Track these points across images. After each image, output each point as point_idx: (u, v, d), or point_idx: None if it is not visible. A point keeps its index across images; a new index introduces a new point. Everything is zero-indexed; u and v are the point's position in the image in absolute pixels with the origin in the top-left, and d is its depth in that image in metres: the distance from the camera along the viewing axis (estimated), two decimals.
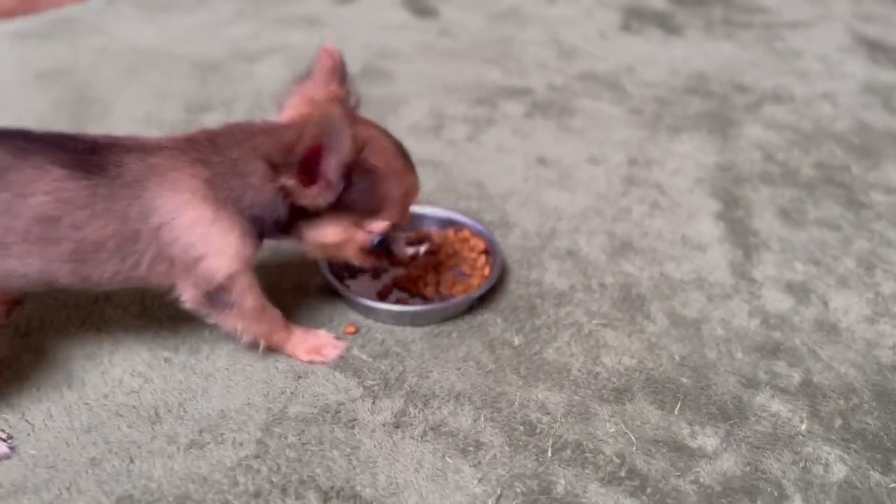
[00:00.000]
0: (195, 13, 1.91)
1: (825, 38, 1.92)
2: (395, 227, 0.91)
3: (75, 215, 0.78)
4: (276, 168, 0.81)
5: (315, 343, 0.95)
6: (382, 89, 1.60)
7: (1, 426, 0.85)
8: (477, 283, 1.06)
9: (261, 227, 0.85)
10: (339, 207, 0.85)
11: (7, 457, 0.81)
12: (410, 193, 0.91)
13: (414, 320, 1.00)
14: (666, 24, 1.97)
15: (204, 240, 0.82)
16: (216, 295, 0.85)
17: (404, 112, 1.52)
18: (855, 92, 1.68)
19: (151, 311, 1.00)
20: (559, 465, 0.84)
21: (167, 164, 0.81)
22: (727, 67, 1.76)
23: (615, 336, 1.01)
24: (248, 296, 0.87)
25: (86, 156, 0.79)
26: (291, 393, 0.90)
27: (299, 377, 0.92)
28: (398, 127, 1.47)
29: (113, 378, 0.91)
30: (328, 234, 0.88)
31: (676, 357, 0.98)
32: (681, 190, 1.31)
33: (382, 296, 1.05)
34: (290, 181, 0.81)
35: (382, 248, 0.93)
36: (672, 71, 1.74)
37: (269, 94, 1.54)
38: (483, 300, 1.04)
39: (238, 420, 0.86)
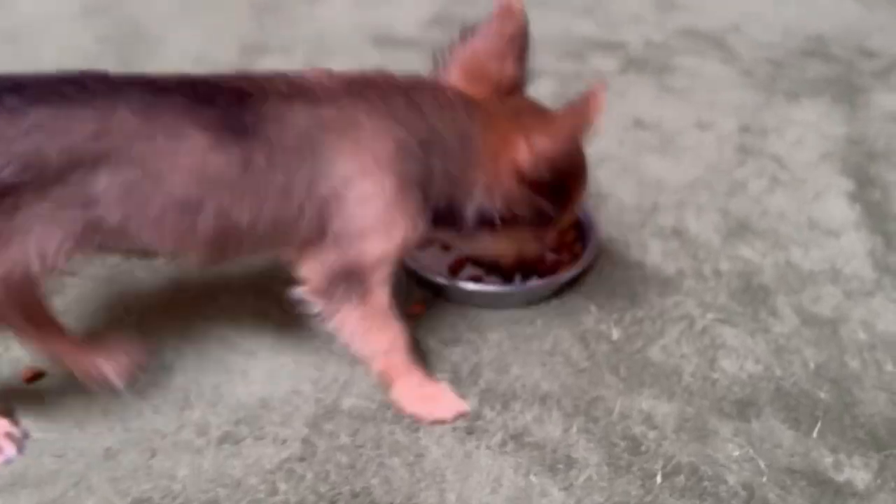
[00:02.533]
0: None
1: None
2: None
3: (223, 198, 0.60)
4: (523, 177, 0.67)
5: (431, 393, 0.74)
6: None
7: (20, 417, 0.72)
8: (566, 260, 0.90)
9: (432, 217, 0.69)
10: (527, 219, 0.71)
11: (10, 461, 0.67)
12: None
13: (493, 302, 0.85)
14: None
15: (374, 218, 0.64)
16: (345, 282, 0.66)
17: None
18: None
19: (188, 274, 0.86)
20: (670, 495, 0.67)
21: (346, 118, 0.63)
22: (850, 30, 1.54)
23: (735, 335, 0.83)
24: (381, 290, 0.69)
25: (233, 110, 0.60)
26: (346, 381, 0.76)
27: (356, 363, 0.77)
28: None
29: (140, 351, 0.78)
30: (501, 245, 0.76)
31: (811, 365, 0.80)
32: (804, 164, 1.12)
33: (454, 271, 0.89)
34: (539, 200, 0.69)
35: None
36: (786, 31, 1.52)
37: (334, 40, 1.39)
38: (573, 282, 0.88)
39: (282, 411, 0.72)
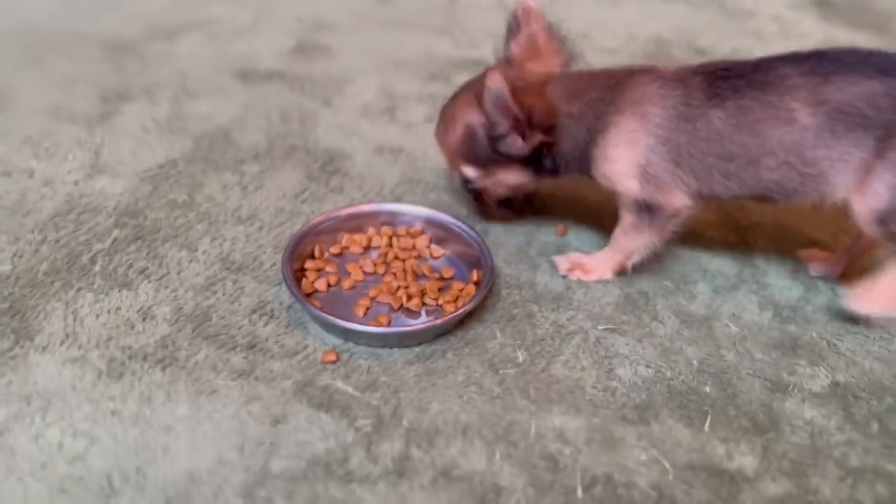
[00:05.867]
0: None
1: None
2: None
3: None
4: None
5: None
6: (323, 66, 1.44)
7: None
8: (462, 288, 0.95)
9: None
10: None
11: None
12: None
13: (401, 341, 0.88)
14: None
15: None
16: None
17: (350, 92, 1.37)
18: None
19: (87, 351, 0.84)
20: None
21: None
22: (683, 30, 1.68)
23: (625, 342, 0.91)
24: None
25: None
26: (271, 443, 0.76)
27: (277, 422, 0.78)
28: (347, 110, 1.33)
29: (49, 442, 0.75)
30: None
31: (694, 362, 0.89)
32: None
33: (361, 312, 0.92)
34: None
35: None
36: (629, 36, 1.64)
37: (197, 79, 1.36)
38: (474, 310, 0.92)
39: (212, 484, 0.72)
